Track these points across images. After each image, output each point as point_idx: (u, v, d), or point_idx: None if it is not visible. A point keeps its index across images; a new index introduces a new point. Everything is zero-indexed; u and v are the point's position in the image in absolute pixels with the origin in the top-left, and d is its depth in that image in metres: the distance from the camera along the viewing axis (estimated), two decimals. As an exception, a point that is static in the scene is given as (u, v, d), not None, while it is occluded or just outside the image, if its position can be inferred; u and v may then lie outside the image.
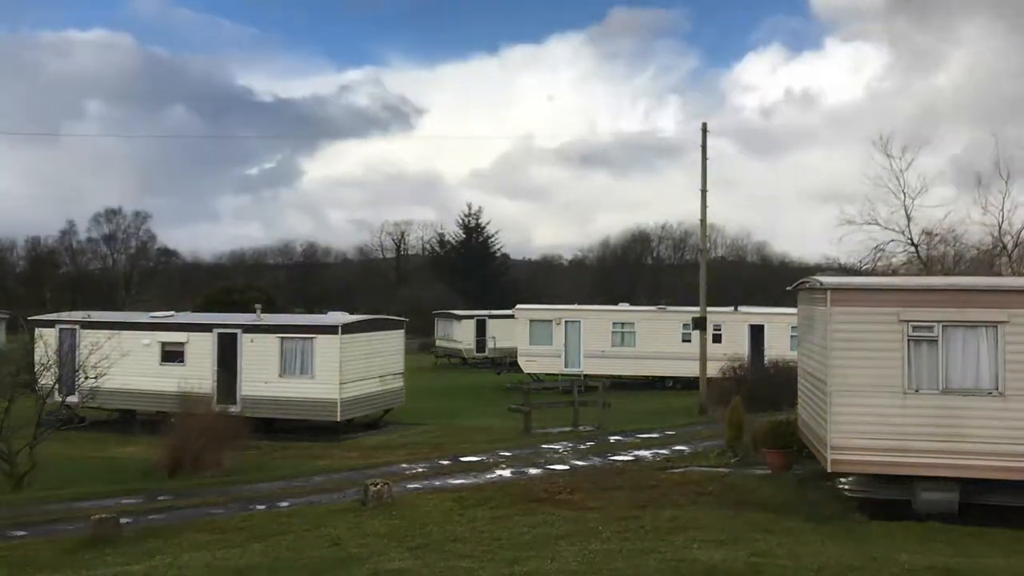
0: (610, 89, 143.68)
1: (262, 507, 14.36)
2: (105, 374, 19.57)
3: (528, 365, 38.08)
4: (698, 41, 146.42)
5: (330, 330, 24.65)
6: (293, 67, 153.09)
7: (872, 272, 34.09)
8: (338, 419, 24.25)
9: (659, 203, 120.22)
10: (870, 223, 34.54)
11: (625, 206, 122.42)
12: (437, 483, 15.88)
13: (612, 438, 21.39)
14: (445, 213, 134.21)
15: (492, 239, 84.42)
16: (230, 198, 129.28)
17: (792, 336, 30.04)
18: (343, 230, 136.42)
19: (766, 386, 25.22)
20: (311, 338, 24.63)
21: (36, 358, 20.40)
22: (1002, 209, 33.38)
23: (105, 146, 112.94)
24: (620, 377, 35.74)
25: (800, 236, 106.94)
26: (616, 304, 43.29)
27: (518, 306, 41.21)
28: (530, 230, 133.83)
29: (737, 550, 9.64)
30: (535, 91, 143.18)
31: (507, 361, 43.62)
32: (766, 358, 31.79)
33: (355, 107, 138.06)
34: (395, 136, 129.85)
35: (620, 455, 18.77)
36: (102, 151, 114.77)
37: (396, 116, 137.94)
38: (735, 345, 34.43)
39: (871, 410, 12.55)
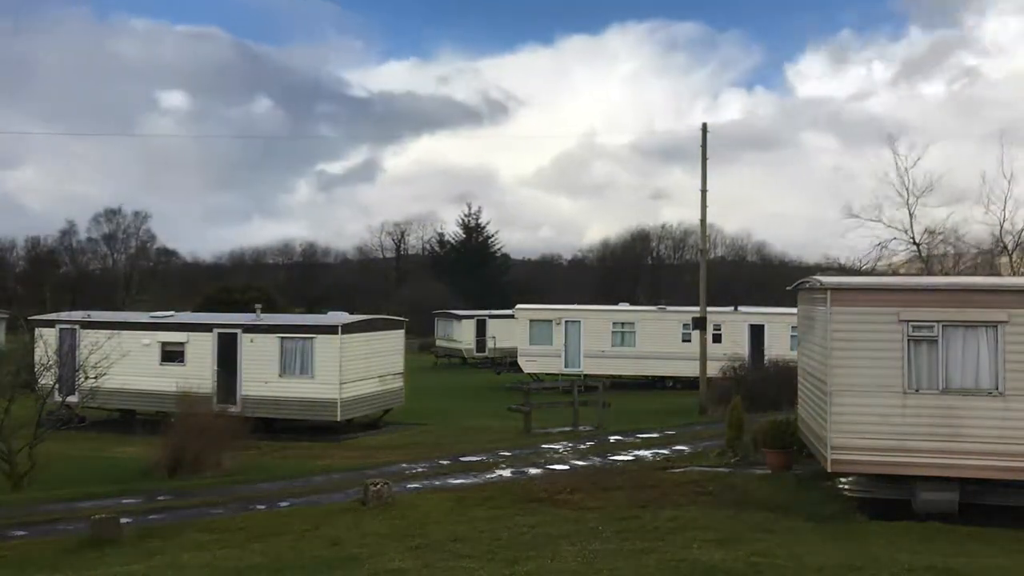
0: (667, 83, 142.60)
1: (262, 507, 14.37)
2: (105, 374, 19.54)
3: (528, 365, 38.08)
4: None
5: (330, 330, 24.64)
6: (342, 58, 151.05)
7: (873, 271, 34.11)
8: (338, 419, 24.26)
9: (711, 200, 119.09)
10: (874, 220, 34.64)
11: (686, 202, 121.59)
12: (437, 483, 15.88)
13: (612, 438, 21.39)
14: (497, 210, 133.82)
15: (492, 239, 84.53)
16: (288, 195, 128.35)
17: (792, 336, 30.06)
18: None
19: (766, 386, 25.23)
20: (311, 338, 24.63)
21: (36, 358, 20.39)
22: (1004, 208, 33.44)
23: (160, 142, 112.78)
24: (620, 377, 35.84)
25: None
26: (616, 304, 43.31)
27: (518, 306, 41.22)
28: (585, 227, 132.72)
29: (737, 550, 9.64)
30: (595, 84, 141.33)
31: (507, 361, 43.63)
32: (766, 358, 31.81)
33: (402, 100, 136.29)
34: (446, 132, 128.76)
35: (620, 455, 18.77)
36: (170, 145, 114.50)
37: (452, 110, 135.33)
38: (735, 345, 34.43)
39: (871, 410, 12.54)
